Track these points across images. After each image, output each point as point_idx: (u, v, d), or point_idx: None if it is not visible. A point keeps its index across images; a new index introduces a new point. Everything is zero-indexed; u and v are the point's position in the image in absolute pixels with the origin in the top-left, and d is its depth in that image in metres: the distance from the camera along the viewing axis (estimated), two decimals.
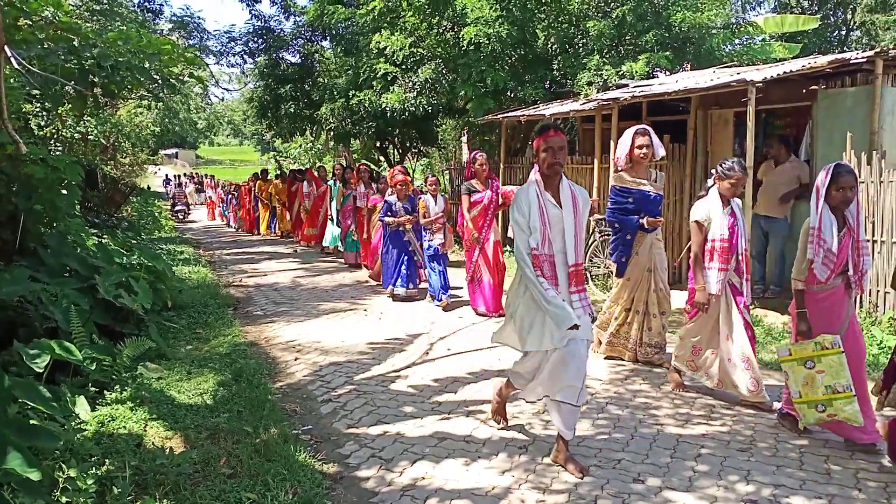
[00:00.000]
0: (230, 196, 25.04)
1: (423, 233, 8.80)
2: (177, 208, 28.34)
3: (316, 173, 16.85)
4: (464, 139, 18.42)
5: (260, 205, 20.22)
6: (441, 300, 8.62)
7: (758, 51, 13.39)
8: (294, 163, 33.39)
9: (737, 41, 13.94)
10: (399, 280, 9.10)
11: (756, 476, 4.00)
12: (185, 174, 44.07)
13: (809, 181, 8.01)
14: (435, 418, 4.96)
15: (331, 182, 13.37)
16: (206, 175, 41.29)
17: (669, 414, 5.00)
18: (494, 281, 8.10)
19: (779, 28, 16.29)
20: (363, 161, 18.92)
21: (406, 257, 9.09)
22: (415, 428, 4.78)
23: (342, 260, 13.27)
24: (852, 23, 29.52)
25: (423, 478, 4.02)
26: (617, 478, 3.99)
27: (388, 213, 9.01)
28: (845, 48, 27.11)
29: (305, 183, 15.60)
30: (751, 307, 5.94)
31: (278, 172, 22.59)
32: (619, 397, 5.37)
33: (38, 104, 8.73)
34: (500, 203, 8.08)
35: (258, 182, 20.14)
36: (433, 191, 8.84)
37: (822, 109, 8.03)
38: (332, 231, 13.37)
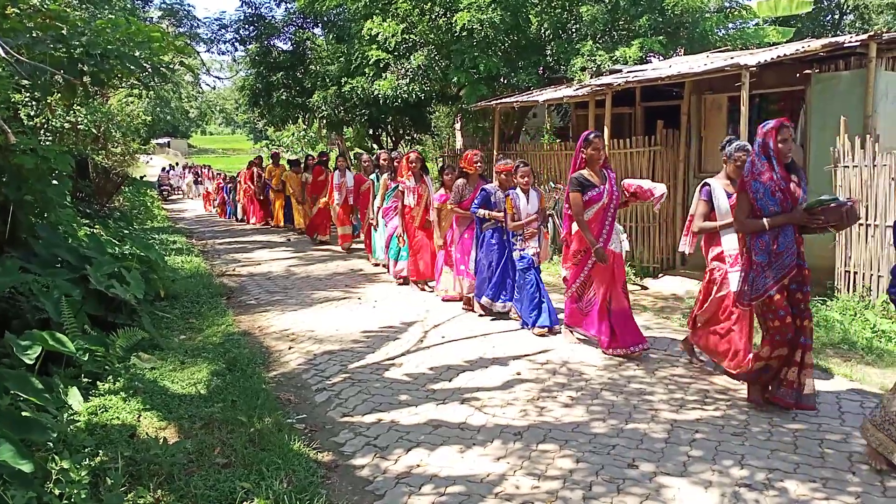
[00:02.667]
0: (229, 186, 23.66)
1: (513, 239, 7.01)
2: (161, 188, 33.28)
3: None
4: (457, 126, 18.38)
5: (271, 193, 17.98)
6: (543, 328, 6.70)
7: (751, 35, 13.38)
8: (287, 151, 33.29)
9: (730, 25, 13.92)
10: (503, 293, 7.28)
11: (750, 460, 4.01)
12: (184, 165, 43.80)
13: (804, 165, 8.00)
14: (430, 406, 4.95)
15: (373, 176, 10.69)
16: (203, 166, 40.48)
17: (664, 399, 5.00)
18: (619, 306, 6.06)
19: (772, 12, 16.22)
20: (415, 149, 15.90)
21: (510, 263, 7.20)
22: (409, 416, 4.78)
23: (335, 248, 13.20)
24: (845, 6, 29.51)
25: (418, 465, 4.02)
26: (611, 463, 4.00)
27: (484, 206, 7.26)
28: (838, 32, 27.10)
29: (337, 173, 12.59)
30: None
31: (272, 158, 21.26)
32: (614, 383, 5.37)
33: (27, 94, 8.64)
34: (622, 200, 6.28)
35: (268, 167, 18.09)
36: (525, 185, 6.88)
37: (815, 93, 8.02)
38: (377, 238, 10.61)
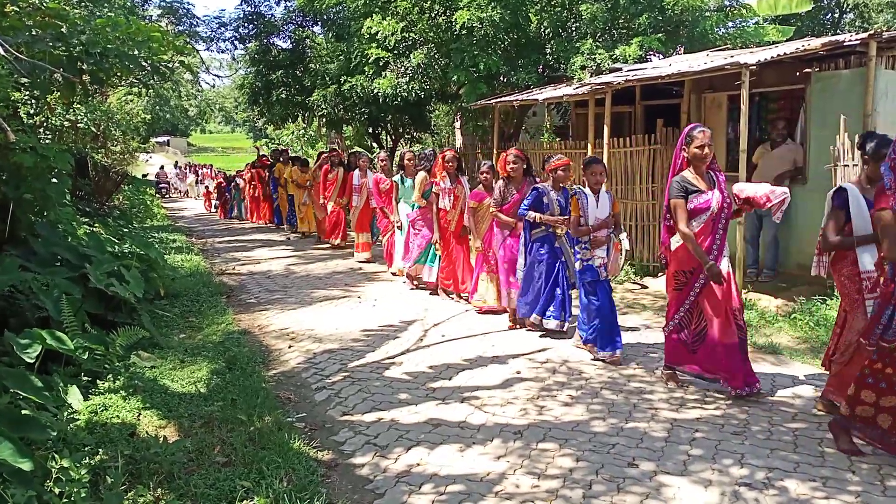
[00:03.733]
0: (232, 185, 22.75)
1: (575, 247, 6.04)
2: (159, 186, 33.88)
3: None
4: (457, 124, 18.37)
5: (280, 192, 16.79)
6: (608, 352, 5.83)
7: (751, 33, 13.36)
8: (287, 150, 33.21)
9: (730, 24, 13.92)
10: (551, 308, 6.51)
11: (750, 459, 4.01)
12: (185, 165, 43.68)
13: (804, 163, 8.00)
14: (429, 405, 4.95)
15: (397, 178, 9.43)
16: (204, 165, 40.18)
17: (663, 398, 5.00)
18: (730, 339, 4.89)
19: (772, 10, 16.22)
20: (452, 147, 14.98)
21: (562, 275, 6.50)
22: (409, 414, 4.78)
23: (329, 245, 13.17)
24: (845, 5, 29.46)
25: (418, 464, 4.02)
26: (611, 462, 4.00)
27: (535, 208, 6.41)
28: (838, 30, 27.08)
29: (358, 172, 11.38)
30: (742, 290, 5.98)
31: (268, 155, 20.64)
32: (614, 382, 5.37)
33: (27, 92, 8.63)
34: (734, 209, 5.09)
35: (278, 164, 16.76)
36: (596, 184, 5.89)
37: (815, 92, 8.01)
38: (401, 243, 9.60)
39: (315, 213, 14.43)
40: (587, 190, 5.89)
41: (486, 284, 7.42)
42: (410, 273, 9.01)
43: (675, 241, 5.02)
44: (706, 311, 4.94)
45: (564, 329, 6.50)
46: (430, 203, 8.41)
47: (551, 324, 6.49)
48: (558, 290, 6.47)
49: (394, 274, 9.94)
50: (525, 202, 6.44)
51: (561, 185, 6.46)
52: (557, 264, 6.49)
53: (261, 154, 20.32)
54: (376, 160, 11.21)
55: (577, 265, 5.98)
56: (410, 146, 22.67)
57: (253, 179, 19.27)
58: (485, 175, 7.44)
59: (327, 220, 13.30)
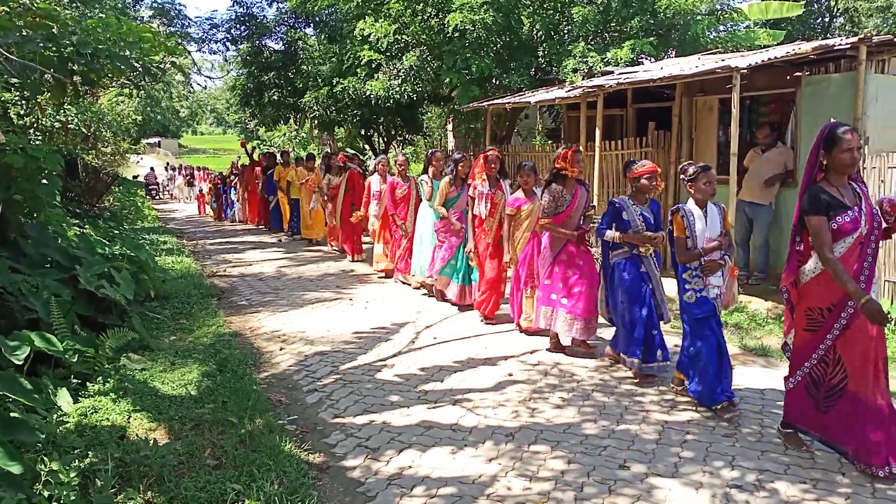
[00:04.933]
0: (227, 185, 21.93)
1: (683, 275, 4.87)
2: (149, 187, 33.40)
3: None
4: (449, 127, 18.38)
5: (280, 196, 15.72)
6: (725, 401, 4.70)
7: (742, 37, 13.43)
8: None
9: (721, 28, 13.98)
10: (659, 353, 5.32)
11: (741, 461, 4.02)
12: (176, 167, 43.36)
13: (795, 167, 8.04)
14: (421, 407, 4.95)
15: (423, 177, 8.67)
16: (197, 168, 39.52)
17: (654, 401, 5.01)
18: (878, 399, 3.84)
19: (763, 14, 16.30)
20: (492, 148, 13.00)
21: (652, 304, 5.38)
22: (401, 417, 4.77)
23: (326, 249, 13.15)
24: (835, 9, 29.68)
25: (410, 466, 4.02)
26: (603, 464, 4.00)
27: (615, 226, 5.40)
28: (829, 35, 27.25)
29: (377, 178, 10.43)
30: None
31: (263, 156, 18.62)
32: (605, 384, 5.38)
33: (17, 93, 8.60)
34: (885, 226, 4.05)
35: (277, 167, 15.80)
36: (706, 195, 4.79)
37: (806, 96, 8.06)
38: (422, 254, 8.63)
39: (328, 220, 13.12)
40: (690, 205, 4.82)
41: (531, 303, 6.49)
42: (433, 284, 8.25)
43: (810, 271, 3.97)
44: (847, 362, 3.90)
45: (661, 368, 5.39)
46: (449, 217, 7.82)
47: (649, 366, 5.33)
48: (655, 331, 5.32)
49: (417, 287, 9.08)
50: (603, 219, 5.47)
51: (647, 196, 5.39)
52: (646, 291, 5.34)
53: (256, 152, 18.93)
54: (393, 164, 10.54)
55: (689, 297, 4.79)
56: (403, 148, 22.65)
57: (248, 179, 18.39)
58: (525, 178, 6.61)
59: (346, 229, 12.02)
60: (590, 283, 5.89)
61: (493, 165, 7.18)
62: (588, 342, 6.12)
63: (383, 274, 10.19)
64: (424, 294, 8.69)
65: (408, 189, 9.30)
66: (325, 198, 12.51)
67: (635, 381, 5.38)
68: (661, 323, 5.52)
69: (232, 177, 21.32)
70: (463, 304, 7.88)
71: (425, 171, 8.85)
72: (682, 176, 4.97)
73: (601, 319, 6.00)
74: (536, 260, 6.33)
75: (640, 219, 5.34)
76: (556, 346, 6.21)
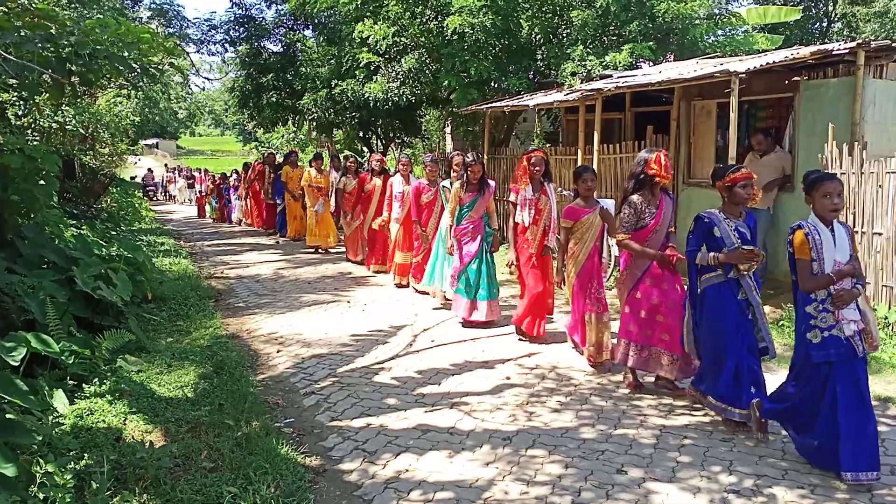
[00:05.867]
0: (229, 186, 21.42)
1: (806, 308, 4.00)
2: (146, 188, 34.00)
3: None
4: (447, 130, 18.37)
5: (287, 199, 14.96)
6: (870, 475, 3.76)
7: (740, 42, 13.44)
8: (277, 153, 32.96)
9: (720, 32, 13.99)
10: (745, 388, 4.43)
11: (738, 466, 4.02)
12: (174, 168, 43.16)
13: (793, 172, 8.05)
14: (418, 410, 4.94)
15: (445, 183, 8.26)
16: (198, 169, 38.95)
17: (652, 405, 5.01)
18: None
19: (761, 19, 16.36)
20: (540, 148, 10.24)
21: (749, 337, 4.54)
22: (398, 420, 4.76)
23: (322, 251, 13.11)
24: (833, 14, 29.76)
25: (407, 470, 4.01)
26: (600, 469, 4.00)
27: (708, 244, 4.55)
28: (827, 40, 27.29)
29: (398, 179, 9.65)
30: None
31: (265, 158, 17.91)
32: (603, 388, 5.37)
33: (15, 93, 8.57)
34: None
35: (285, 167, 14.89)
36: (833, 211, 3.97)
37: (804, 100, 8.06)
38: (445, 265, 8.02)
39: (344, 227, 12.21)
40: (814, 220, 3.99)
41: (592, 327, 5.78)
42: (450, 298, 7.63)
43: None
44: None
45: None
46: (463, 229, 7.22)
47: (742, 413, 4.43)
48: (755, 368, 4.51)
49: (418, 291, 8.82)
50: (691, 238, 4.60)
51: (740, 208, 4.58)
52: (743, 322, 4.52)
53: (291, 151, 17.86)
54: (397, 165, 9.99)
55: (813, 336, 3.94)
56: (401, 150, 22.64)
57: (255, 178, 17.34)
58: (587, 185, 5.83)
59: (362, 239, 11.21)
60: (679, 312, 4.97)
61: (536, 168, 6.50)
62: (676, 381, 5.14)
63: (401, 285, 9.47)
64: (440, 307, 8.10)
65: (434, 195, 8.58)
66: (336, 203, 11.88)
67: (722, 426, 4.60)
68: (765, 359, 4.76)
69: (233, 178, 21.18)
70: (473, 322, 7.17)
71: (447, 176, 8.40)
72: (717, 182, 4.59)
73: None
74: (594, 281, 5.80)
75: (736, 235, 4.46)
76: (636, 385, 5.32)
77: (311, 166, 13.22)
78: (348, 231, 11.71)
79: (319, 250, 13.17)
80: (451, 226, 7.36)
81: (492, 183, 7.49)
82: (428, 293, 8.52)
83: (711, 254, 4.48)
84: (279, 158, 18.80)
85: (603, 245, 6.10)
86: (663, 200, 5.14)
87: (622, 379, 5.47)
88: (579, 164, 10.25)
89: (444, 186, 8.13)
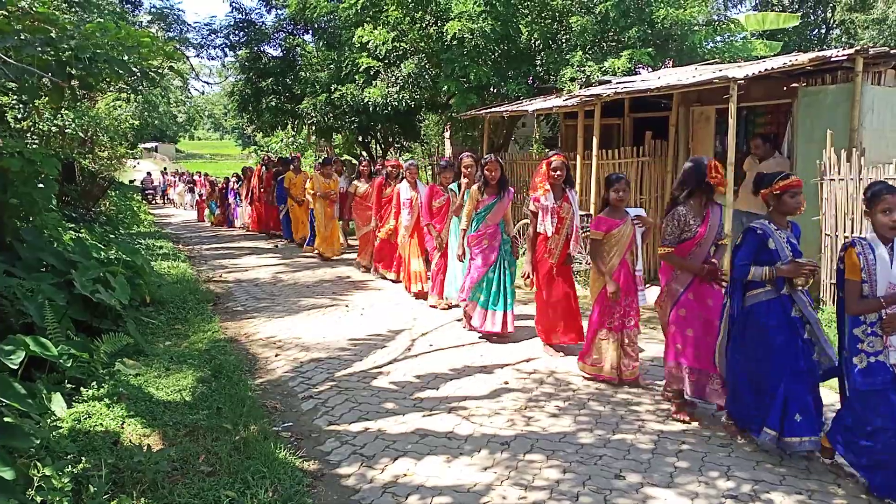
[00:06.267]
0: (231, 190, 21.11)
1: (854, 330, 3.86)
2: (145, 192, 34.28)
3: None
4: (446, 134, 18.40)
5: (290, 204, 14.68)
6: None
7: (739, 48, 13.48)
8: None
9: (718, 38, 14.03)
10: (797, 416, 4.06)
11: (736, 472, 4.02)
12: (173, 172, 43.05)
13: None
14: (417, 415, 4.94)
15: (454, 186, 7.86)
16: (197, 173, 37.70)
17: (650, 410, 5.01)
18: None
19: (760, 26, 16.39)
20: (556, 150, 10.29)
21: (807, 361, 4.17)
22: (396, 424, 4.76)
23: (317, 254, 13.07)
24: (832, 21, 29.86)
25: (405, 474, 4.00)
26: (598, 474, 3.99)
27: (758, 257, 4.20)
28: (825, 46, 27.39)
29: (405, 185, 9.28)
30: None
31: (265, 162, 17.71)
32: (601, 393, 5.37)
33: (15, 96, 8.59)
34: None
35: (288, 174, 14.62)
36: (885, 227, 3.71)
37: (802, 107, 8.09)
38: (455, 273, 7.77)
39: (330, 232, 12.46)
40: (872, 238, 3.77)
41: (606, 345, 5.46)
42: (467, 311, 7.12)
43: None
44: None
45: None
46: (479, 235, 6.81)
47: (799, 444, 4.07)
48: (810, 398, 4.12)
49: (446, 308, 8.27)
50: (741, 252, 4.22)
51: (787, 218, 4.27)
52: (799, 342, 4.14)
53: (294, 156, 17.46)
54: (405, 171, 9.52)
55: (858, 361, 3.77)
56: (400, 155, 22.66)
57: (263, 182, 16.92)
58: (619, 195, 5.37)
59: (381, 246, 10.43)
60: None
61: (558, 173, 6.07)
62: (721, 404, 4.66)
63: (418, 296, 8.98)
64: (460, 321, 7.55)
65: (447, 201, 8.15)
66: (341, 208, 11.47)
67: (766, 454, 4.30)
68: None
69: (234, 181, 21.06)
70: (487, 333, 6.85)
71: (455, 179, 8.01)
72: (763, 190, 4.29)
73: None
74: (627, 297, 5.43)
75: (789, 248, 4.17)
76: (682, 408, 4.85)
77: (317, 172, 12.70)
78: (360, 234, 11.42)
79: (326, 259, 12.65)
80: (464, 231, 6.94)
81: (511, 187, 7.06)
82: (436, 307, 8.25)
83: (765, 268, 4.10)
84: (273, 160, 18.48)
85: (637, 257, 5.66)
86: (710, 210, 4.73)
87: (669, 405, 4.95)
88: (578, 169, 10.29)
89: (451, 189, 7.82)
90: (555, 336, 6.31)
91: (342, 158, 18.10)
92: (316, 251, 12.96)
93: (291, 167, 14.74)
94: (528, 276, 6.32)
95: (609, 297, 5.38)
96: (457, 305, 7.78)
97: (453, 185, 7.73)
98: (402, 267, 9.60)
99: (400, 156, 22.79)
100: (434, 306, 8.30)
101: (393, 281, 10.04)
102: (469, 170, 7.38)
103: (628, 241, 5.42)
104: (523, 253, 7.30)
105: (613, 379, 5.48)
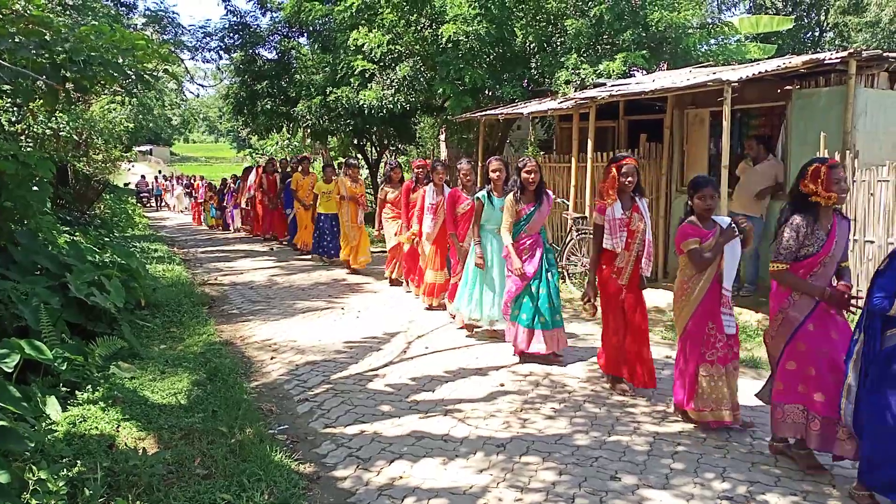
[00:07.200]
0: (229, 192, 20.73)
1: None
2: (140, 195, 34.69)
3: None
4: (441, 137, 18.42)
5: (297, 208, 13.91)
6: None
7: (733, 51, 13.53)
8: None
9: (712, 41, 14.09)
10: None
11: (731, 473, 4.03)
12: (170, 176, 42.86)
13: (785, 180, 8.09)
14: (412, 417, 4.94)
15: (482, 194, 6.75)
16: (193, 177, 36.75)
17: (646, 412, 5.02)
18: None
19: (754, 29, 16.47)
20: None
21: None
22: (392, 427, 4.76)
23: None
24: (826, 24, 29.99)
25: (401, 477, 4.00)
26: (594, 476, 4.00)
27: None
28: (819, 49, 27.50)
29: (432, 189, 8.46)
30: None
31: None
32: (596, 395, 5.38)
33: (9, 99, 8.57)
34: None
35: (295, 175, 13.90)
36: None
37: (796, 109, 8.12)
38: (467, 290, 6.97)
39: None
40: None
41: (717, 384, 4.55)
42: (507, 331, 6.37)
43: None
44: None
45: None
46: (518, 247, 6.11)
47: None
48: None
49: (453, 316, 7.58)
50: (882, 280, 3.55)
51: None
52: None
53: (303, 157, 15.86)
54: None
55: None
56: (395, 158, 22.64)
57: (268, 187, 16.20)
58: (708, 203, 4.58)
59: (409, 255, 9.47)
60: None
61: (629, 179, 5.21)
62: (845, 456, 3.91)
63: (432, 307, 8.36)
64: (484, 339, 7.06)
65: (471, 205, 7.22)
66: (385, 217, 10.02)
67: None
68: None
69: (232, 182, 20.93)
70: (532, 354, 6.09)
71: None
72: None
73: None
74: (713, 323, 4.57)
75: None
76: (812, 465, 4.07)
77: (344, 175, 11.53)
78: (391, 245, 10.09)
79: (354, 271, 11.41)
80: (509, 251, 6.11)
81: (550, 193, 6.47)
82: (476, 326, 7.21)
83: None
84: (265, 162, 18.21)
85: (724, 273, 4.59)
86: (836, 224, 4.01)
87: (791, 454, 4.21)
88: (573, 171, 10.31)
89: (477, 198, 6.78)
90: (625, 369, 5.38)
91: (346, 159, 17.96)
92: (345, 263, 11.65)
93: (300, 168, 14.09)
94: (590, 301, 5.51)
95: (708, 330, 4.55)
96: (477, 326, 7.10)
97: (481, 193, 6.77)
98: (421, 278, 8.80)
99: (395, 158, 22.77)
100: (462, 327, 7.29)
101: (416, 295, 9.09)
102: (498, 174, 6.67)
103: (719, 261, 4.56)
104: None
105: (735, 424, 4.56)
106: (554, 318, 6.04)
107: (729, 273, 4.54)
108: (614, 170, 5.22)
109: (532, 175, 6.00)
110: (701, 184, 4.60)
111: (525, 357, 6.15)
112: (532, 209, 6.09)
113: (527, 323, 6.03)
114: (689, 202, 4.68)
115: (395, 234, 9.69)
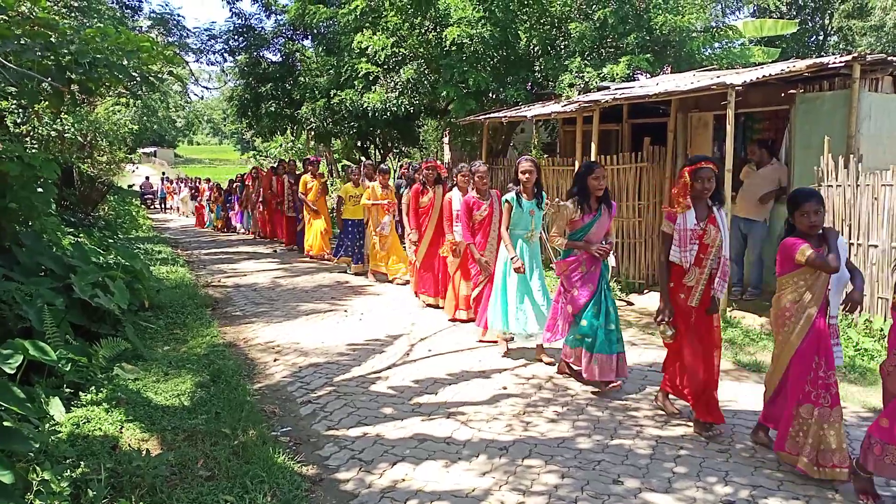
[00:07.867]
0: (235, 194, 20.59)
1: None
2: (144, 196, 34.83)
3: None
4: (445, 140, 18.44)
5: (306, 211, 13.35)
6: None
7: (737, 54, 13.53)
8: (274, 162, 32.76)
9: (716, 45, 14.09)
10: None
11: (734, 477, 4.02)
12: (174, 179, 42.78)
13: (789, 184, 8.09)
14: (415, 420, 4.94)
15: (511, 196, 6.20)
16: (199, 179, 36.34)
17: (648, 415, 5.01)
18: None
19: (758, 32, 16.46)
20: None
21: None
22: (395, 429, 4.76)
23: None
24: (830, 28, 29.95)
25: (403, 479, 4.01)
26: (597, 479, 4.00)
27: None
28: (823, 53, 27.47)
29: (457, 193, 7.87)
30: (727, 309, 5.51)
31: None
32: (599, 399, 5.37)
33: (14, 101, 8.59)
34: None
35: (304, 178, 13.13)
36: None
37: (800, 113, 8.12)
38: (499, 304, 6.40)
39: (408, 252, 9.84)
40: None
41: (825, 430, 3.89)
42: (564, 356, 5.75)
43: None
44: None
45: None
46: (575, 261, 5.51)
47: None
48: None
49: (488, 341, 6.91)
50: None
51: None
52: None
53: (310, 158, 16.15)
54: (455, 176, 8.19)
55: None
56: (399, 160, 22.65)
57: (277, 189, 15.67)
58: (812, 220, 3.98)
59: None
60: None
61: (705, 186, 4.53)
62: None
63: (461, 319, 7.81)
64: (503, 351, 6.60)
65: (489, 210, 7.00)
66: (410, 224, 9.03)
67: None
68: None
69: (237, 185, 20.90)
70: (602, 381, 5.39)
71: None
72: None
73: None
74: (822, 358, 3.97)
75: None
76: (866, 491, 3.75)
77: (375, 180, 10.65)
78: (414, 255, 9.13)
79: (380, 280, 10.76)
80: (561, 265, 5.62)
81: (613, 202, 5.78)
82: (495, 341, 6.76)
83: None
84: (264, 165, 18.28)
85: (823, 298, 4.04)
86: None
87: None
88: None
89: (506, 200, 6.24)
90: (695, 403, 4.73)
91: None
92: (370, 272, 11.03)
93: (309, 170, 13.28)
94: (663, 319, 4.75)
95: (813, 365, 3.97)
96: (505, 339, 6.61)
97: (510, 195, 6.21)
98: (445, 289, 8.27)
99: (399, 160, 22.80)
100: (483, 341, 6.91)
101: (433, 306, 8.67)
102: (528, 175, 6.12)
103: (827, 280, 3.99)
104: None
105: (846, 480, 3.85)
106: (613, 343, 5.38)
107: (835, 301, 4.09)
108: (688, 174, 4.56)
109: (598, 181, 5.38)
110: (802, 199, 3.98)
111: (595, 384, 5.50)
112: (592, 219, 5.45)
113: (584, 346, 5.43)
114: (790, 218, 4.10)
115: (414, 244, 8.95)
